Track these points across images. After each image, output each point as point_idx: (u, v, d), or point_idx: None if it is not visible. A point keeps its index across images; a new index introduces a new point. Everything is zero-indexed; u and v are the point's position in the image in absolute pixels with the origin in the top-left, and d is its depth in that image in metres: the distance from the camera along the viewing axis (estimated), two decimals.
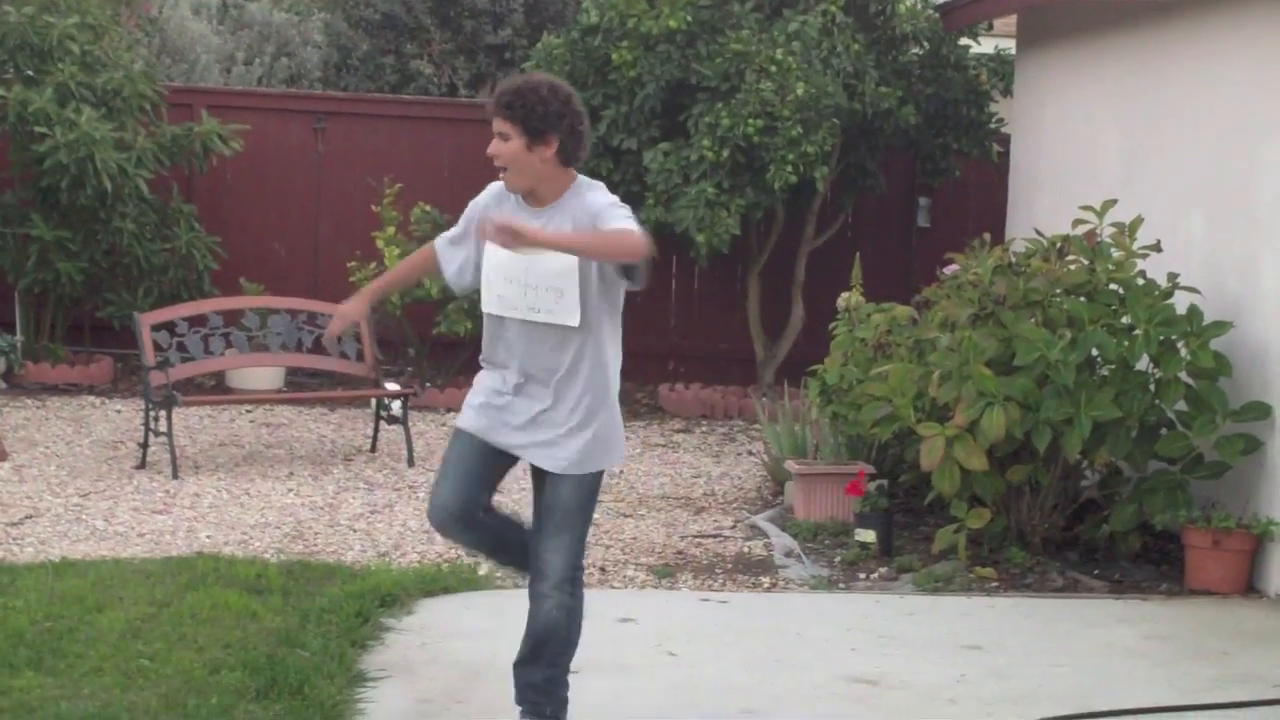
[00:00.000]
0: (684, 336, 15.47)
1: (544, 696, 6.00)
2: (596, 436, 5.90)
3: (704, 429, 13.67)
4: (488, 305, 5.99)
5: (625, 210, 5.79)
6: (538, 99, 5.79)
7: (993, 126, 14.56)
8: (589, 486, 5.95)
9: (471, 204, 6.17)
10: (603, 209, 5.78)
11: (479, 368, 6.16)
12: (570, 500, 5.93)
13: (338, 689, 6.55)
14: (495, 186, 6.08)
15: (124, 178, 13.66)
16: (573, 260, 5.74)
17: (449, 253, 6.20)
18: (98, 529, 9.45)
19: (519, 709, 6.03)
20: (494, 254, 5.85)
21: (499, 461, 6.02)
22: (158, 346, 11.49)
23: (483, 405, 6.02)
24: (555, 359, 5.88)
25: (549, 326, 5.84)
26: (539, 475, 6.00)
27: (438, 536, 9.49)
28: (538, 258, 5.73)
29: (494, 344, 6.05)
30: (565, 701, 6.03)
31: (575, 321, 5.81)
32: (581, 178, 5.94)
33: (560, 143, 5.81)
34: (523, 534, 6.10)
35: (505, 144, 5.83)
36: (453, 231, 6.24)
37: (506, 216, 5.73)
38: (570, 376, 5.88)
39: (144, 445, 11.25)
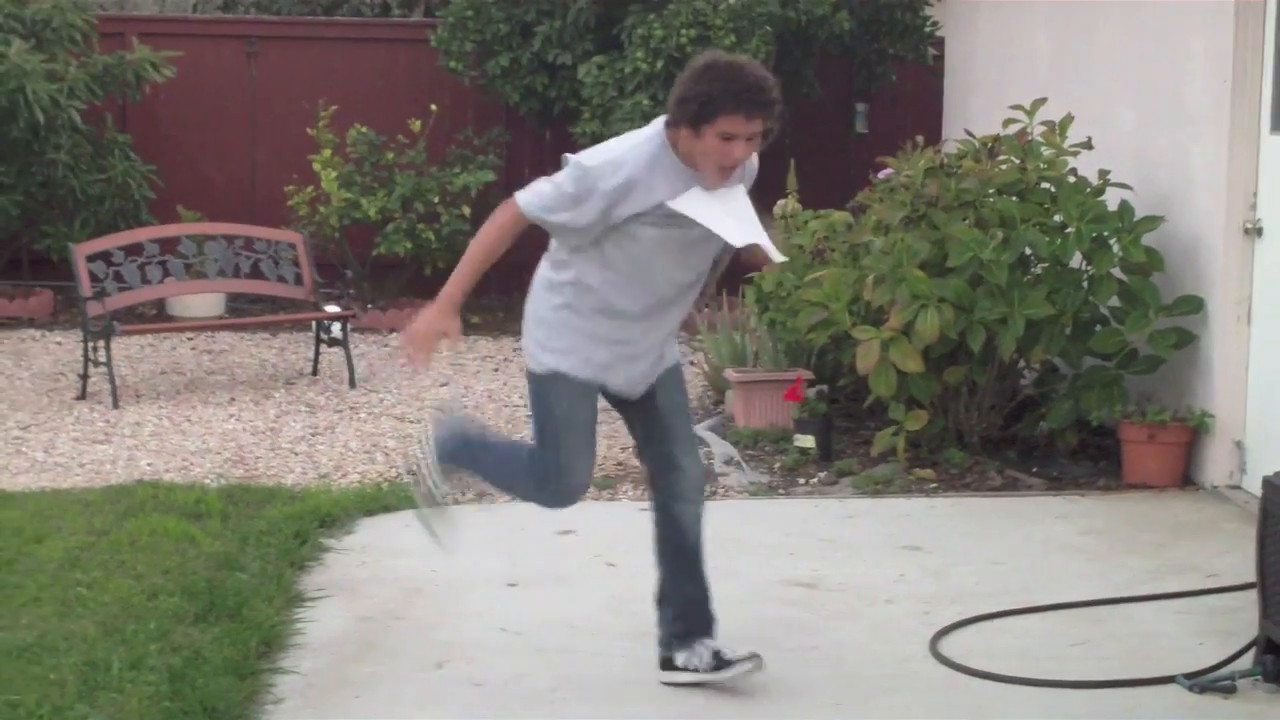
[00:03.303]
0: None
1: (706, 609, 5.90)
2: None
3: None
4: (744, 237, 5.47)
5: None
6: (775, 82, 5.45)
7: (928, 30, 14.54)
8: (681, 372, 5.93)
9: (616, 180, 5.39)
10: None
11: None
12: (682, 390, 5.86)
13: (276, 610, 6.55)
14: (648, 157, 5.43)
15: (56, 109, 13.57)
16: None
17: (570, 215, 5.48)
18: (38, 461, 9.43)
19: (691, 645, 5.84)
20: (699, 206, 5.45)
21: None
22: (94, 277, 11.44)
23: (601, 359, 5.65)
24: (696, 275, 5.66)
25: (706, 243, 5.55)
26: (635, 400, 5.81)
27: (379, 455, 9.58)
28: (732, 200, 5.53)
29: (633, 290, 5.59)
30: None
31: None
32: None
33: None
34: None
35: (757, 142, 5.44)
36: (552, 203, 5.46)
37: None
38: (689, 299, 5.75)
39: (84, 376, 11.20)
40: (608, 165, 5.44)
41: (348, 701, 5.79)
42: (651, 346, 5.72)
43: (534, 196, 5.48)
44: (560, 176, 5.46)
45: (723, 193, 5.49)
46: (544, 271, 5.71)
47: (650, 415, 5.83)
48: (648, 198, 5.43)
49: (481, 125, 14.88)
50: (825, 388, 9.66)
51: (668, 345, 5.81)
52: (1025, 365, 9.25)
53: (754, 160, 5.67)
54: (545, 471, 5.68)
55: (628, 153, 5.47)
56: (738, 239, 5.43)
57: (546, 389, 5.65)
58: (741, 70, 5.38)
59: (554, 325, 5.64)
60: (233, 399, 11.14)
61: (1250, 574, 6.14)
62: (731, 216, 5.46)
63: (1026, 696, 5.84)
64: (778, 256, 5.59)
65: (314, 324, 12.14)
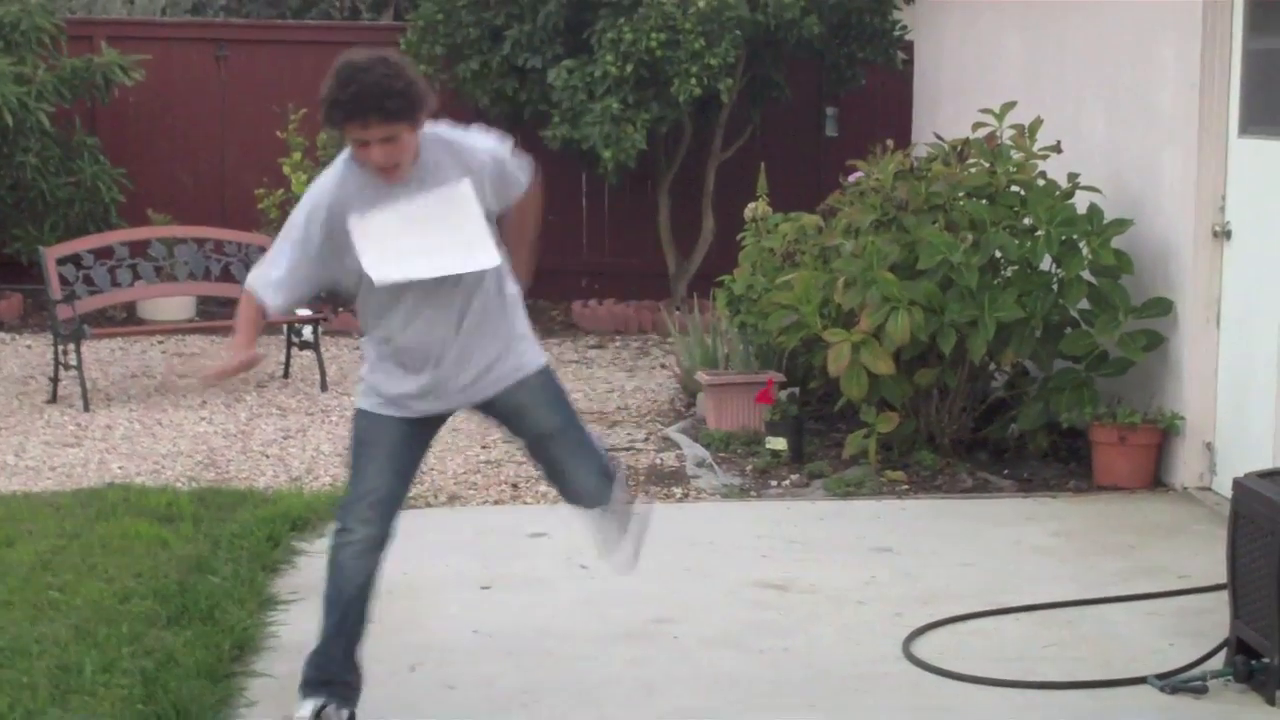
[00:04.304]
0: (596, 253, 15.46)
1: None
2: (523, 335, 5.51)
3: (618, 344, 13.70)
4: (387, 277, 5.21)
5: (498, 142, 5.39)
6: (405, 84, 5.07)
7: (897, 34, 14.56)
8: (553, 377, 5.59)
9: (312, 207, 5.24)
10: (498, 157, 5.35)
11: None
12: (553, 404, 5.55)
13: (248, 613, 6.55)
14: (335, 177, 5.24)
15: (25, 112, 13.52)
16: (468, 194, 5.21)
17: (281, 283, 5.28)
18: (7, 464, 9.39)
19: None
20: (376, 233, 5.17)
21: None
22: (64, 280, 11.41)
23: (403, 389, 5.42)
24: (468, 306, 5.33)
25: (460, 276, 5.24)
26: (507, 419, 5.59)
27: None
28: (427, 211, 5.19)
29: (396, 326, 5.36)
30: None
31: (493, 259, 5.27)
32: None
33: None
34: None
35: (398, 144, 5.09)
36: (281, 258, 5.28)
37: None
38: (489, 311, 5.38)
39: (54, 379, 11.18)
40: (307, 194, 5.28)
41: None
42: (458, 369, 5.40)
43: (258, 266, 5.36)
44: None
45: (420, 204, 5.20)
46: None
47: (528, 441, 5.66)
48: (345, 218, 5.19)
49: None
50: (796, 390, 9.67)
51: (503, 355, 5.44)
52: (996, 368, 9.28)
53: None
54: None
55: (322, 176, 5.27)
56: (393, 272, 5.17)
57: (354, 421, 5.56)
58: (349, 76, 5.07)
59: (367, 357, 5.48)
60: (204, 402, 11.12)
61: (1221, 575, 6.17)
62: (413, 244, 5.18)
63: (998, 698, 5.86)
64: (476, 265, 5.25)
65: (285, 327, 12.12)
